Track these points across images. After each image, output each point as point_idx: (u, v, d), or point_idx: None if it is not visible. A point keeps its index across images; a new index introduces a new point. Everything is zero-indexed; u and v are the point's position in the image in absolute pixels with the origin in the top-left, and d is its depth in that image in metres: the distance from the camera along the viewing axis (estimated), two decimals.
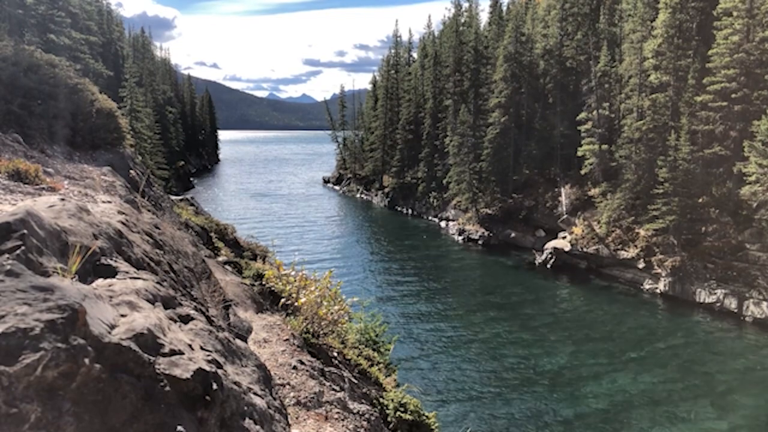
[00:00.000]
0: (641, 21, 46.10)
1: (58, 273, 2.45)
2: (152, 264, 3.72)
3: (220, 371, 2.58)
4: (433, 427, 8.69)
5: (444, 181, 66.25)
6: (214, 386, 2.44)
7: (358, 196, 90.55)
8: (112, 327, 2.27)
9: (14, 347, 1.89)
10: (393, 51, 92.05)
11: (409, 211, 74.56)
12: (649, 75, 44.73)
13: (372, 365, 9.82)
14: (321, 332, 8.88)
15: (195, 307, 3.45)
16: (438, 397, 24.66)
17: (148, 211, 9.00)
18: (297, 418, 5.99)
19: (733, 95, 38.52)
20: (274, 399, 3.64)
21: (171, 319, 2.80)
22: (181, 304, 3.09)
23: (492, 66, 65.90)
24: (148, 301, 2.73)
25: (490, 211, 58.81)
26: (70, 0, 51.64)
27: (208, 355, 2.60)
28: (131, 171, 14.88)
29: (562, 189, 53.38)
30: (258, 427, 2.86)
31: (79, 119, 16.03)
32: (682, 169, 39.74)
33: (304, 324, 8.57)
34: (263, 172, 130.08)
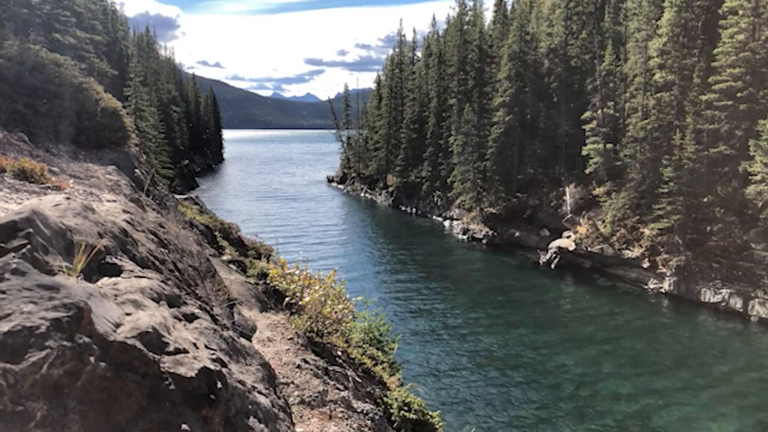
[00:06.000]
0: (646, 20, 45.91)
1: (63, 272, 2.46)
2: (157, 263, 3.73)
3: (224, 370, 2.58)
4: (437, 426, 8.69)
5: (448, 181, 66.18)
6: (219, 385, 2.45)
7: (362, 195, 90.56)
8: (117, 325, 2.27)
9: (20, 345, 1.90)
10: (397, 50, 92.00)
11: (413, 210, 74.53)
12: (654, 74, 44.56)
13: (376, 364, 9.84)
14: (325, 331, 8.88)
15: (199, 305, 3.46)
16: (442, 397, 24.65)
17: (153, 210, 9.03)
18: (301, 416, 6.00)
19: (739, 94, 38.35)
20: (279, 398, 3.65)
21: (176, 317, 2.81)
22: (185, 303, 3.10)
23: (496, 65, 65.78)
24: (153, 299, 2.73)
25: (494, 211, 58.73)
26: None
27: (213, 354, 2.60)
28: (136, 170, 14.92)
29: (567, 188, 53.25)
30: (262, 425, 2.87)
31: (84, 118, 16.10)
32: (687, 168, 39.59)
33: (309, 323, 8.58)
34: (267, 172, 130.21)
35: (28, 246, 2.38)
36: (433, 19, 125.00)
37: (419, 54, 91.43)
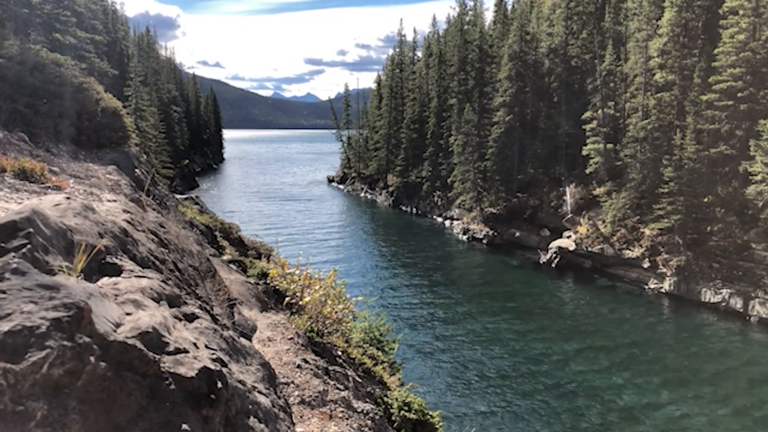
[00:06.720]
0: (647, 19, 45.90)
1: (63, 271, 2.46)
2: (157, 263, 3.73)
3: (224, 370, 2.58)
4: (437, 426, 8.69)
5: (448, 180, 66.18)
6: (219, 385, 2.44)
7: (362, 195, 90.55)
8: (118, 325, 2.27)
9: (20, 345, 1.90)
10: (397, 50, 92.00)
11: (414, 210, 74.53)
12: (654, 74, 44.55)
13: (376, 364, 9.84)
14: (325, 331, 8.88)
15: (200, 305, 3.46)
16: (442, 397, 24.64)
17: (153, 209, 9.02)
18: (301, 416, 6.00)
19: (739, 94, 38.34)
20: (279, 397, 3.65)
21: (176, 317, 2.81)
22: (186, 303, 3.10)
23: (497, 65, 65.76)
24: (153, 299, 2.73)
25: (494, 211, 58.71)
26: None
27: (213, 354, 2.60)
28: (136, 170, 14.92)
29: (567, 188, 53.24)
30: (262, 425, 2.87)
31: (84, 118, 16.09)
32: (687, 168, 39.58)
33: (309, 323, 8.58)
34: (267, 171, 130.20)
35: (29, 246, 2.38)
36: (434, 19, 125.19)
37: (419, 54, 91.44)
